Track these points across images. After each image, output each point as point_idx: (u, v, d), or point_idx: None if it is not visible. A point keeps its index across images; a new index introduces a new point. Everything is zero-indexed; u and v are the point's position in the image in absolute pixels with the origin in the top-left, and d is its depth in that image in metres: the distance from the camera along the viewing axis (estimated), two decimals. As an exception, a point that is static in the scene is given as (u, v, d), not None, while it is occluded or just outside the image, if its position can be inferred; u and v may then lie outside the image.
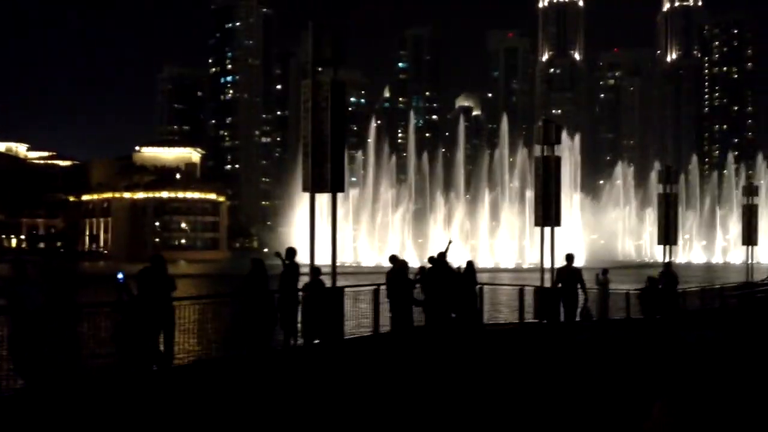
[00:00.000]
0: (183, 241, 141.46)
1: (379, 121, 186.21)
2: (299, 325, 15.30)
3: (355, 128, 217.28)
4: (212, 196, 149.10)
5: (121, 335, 11.63)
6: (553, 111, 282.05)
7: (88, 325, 12.54)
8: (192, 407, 9.90)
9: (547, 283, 21.18)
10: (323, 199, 18.28)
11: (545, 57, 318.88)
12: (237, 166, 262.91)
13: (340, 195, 17.24)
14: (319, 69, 16.69)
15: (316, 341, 15.22)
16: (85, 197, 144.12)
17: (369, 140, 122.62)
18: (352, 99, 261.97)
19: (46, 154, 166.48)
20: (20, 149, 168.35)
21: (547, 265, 21.83)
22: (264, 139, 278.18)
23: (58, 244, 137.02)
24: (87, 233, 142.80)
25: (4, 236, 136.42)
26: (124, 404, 10.22)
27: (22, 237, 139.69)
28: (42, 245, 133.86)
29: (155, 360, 12.28)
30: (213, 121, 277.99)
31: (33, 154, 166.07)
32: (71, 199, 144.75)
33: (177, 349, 12.90)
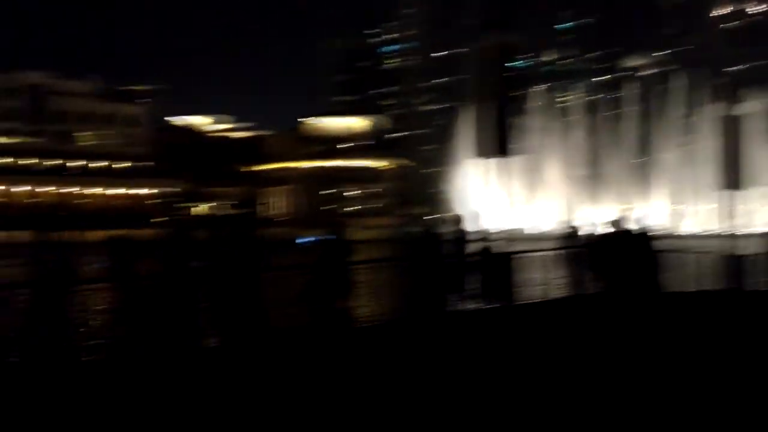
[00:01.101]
0: (354, 207, 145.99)
1: (544, 84, 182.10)
2: (470, 290, 15.62)
3: (520, 92, 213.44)
4: (380, 163, 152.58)
5: (308, 296, 12.51)
6: (734, 68, 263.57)
7: (277, 287, 13.53)
8: (376, 366, 10.50)
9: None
10: (490, 165, 18.40)
11: (722, 11, 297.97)
12: (403, 133, 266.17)
13: (507, 160, 17.32)
14: (485, 33, 16.70)
15: (493, 305, 15.55)
16: (260, 167, 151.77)
17: (534, 104, 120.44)
18: (517, 63, 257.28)
19: (221, 127, 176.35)
20: (199, 122, 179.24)
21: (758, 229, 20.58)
22: (429, 107, 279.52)
23: (239, 212, 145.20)
24: (263, 202, 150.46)
25: (191, 205, 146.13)
26: (314, 361, 11.00)
27: (207, 206, 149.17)
28: (226, 213, 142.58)
29: (339, 320, 13.07)
30: (377, 90, 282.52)
31: (211, 128, 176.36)
32: (248, 169, 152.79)
33: (356, 312, 13.65)
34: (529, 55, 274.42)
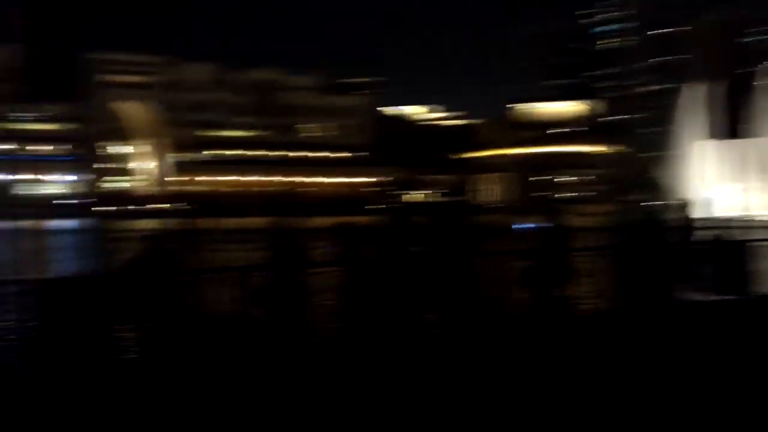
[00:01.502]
0: (567, 194, 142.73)
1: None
2: (699, 280, 14.82)
3: (750, 69, 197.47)
4: (597, 148, 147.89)
5: (527, 282, 12.48)
6: None
7: (494, 273, 13.58)
8: (599, 355, 10.27)
9: None
10: (718, 148, 17.18)
11: None
12: (619, 117, 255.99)
13: (738, 142, 16.12)
14: (708, 8, 15.60)
15: (727, 297, 14.65)
16: (470, 155, 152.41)
17: (766, 82, 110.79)
18: (746, 38, 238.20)
19: (434, 115, 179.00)
20: (413, 112, 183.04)
21: None
22: (647, 88, 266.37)
23: (451, 199, 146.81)
24: (474, 189, 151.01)
25: (403, 193, 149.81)
26: (537, 349, 10.94)
27: (419, 193, 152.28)
28: (437, 200, 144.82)
29: (560, 308, 12.91)
30: (591, 73, 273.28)
31: (424, 117, 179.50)
32: (458, 157, 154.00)
33: (578, 300, 13.40)
34: (759, 29, 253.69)
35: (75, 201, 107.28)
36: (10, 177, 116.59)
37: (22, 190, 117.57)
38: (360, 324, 11.85)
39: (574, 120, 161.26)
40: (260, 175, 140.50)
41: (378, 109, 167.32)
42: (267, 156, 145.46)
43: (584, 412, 8.02)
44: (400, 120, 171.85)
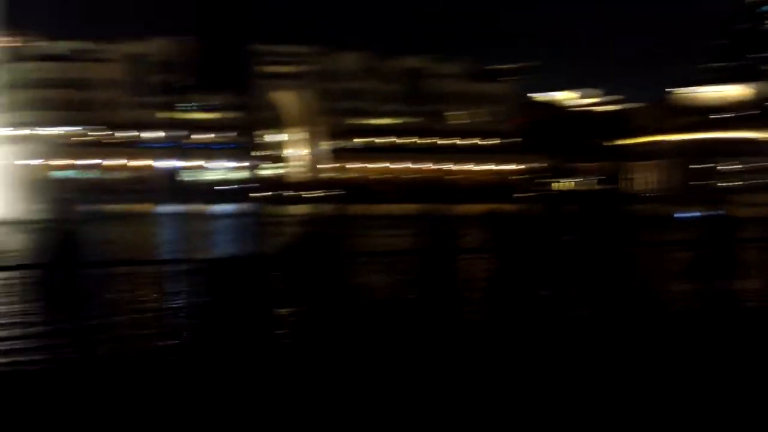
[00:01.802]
0: (732, 183, 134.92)
1: None
2: None
3: None
4: (764, 135, 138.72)
5: (693, 274, 11.87)
6: None
7: (654, 263, 13.01)
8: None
9: None
10: None
11: None
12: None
13: None
14: None
15: None
16: (625, 141, 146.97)
17: None
18: None
19: (587, 101, 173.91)
20: (565, 98, 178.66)
21: None
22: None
23: (605, 187, 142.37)
24: (629, 177, 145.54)
25: (553, 180, 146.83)
26: (700, 342, 10.42)
27: (572, 181, 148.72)
28: (589, 188, 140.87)
29: (725, 300, 12.22)
30: (758, 55, 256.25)
31: (576, 102, 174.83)
32: (612, 143, 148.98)
33: (747, 293, 12.66)
34: None
35: (235, 187, 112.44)
36: (178, 164, 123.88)
37: (188, 176, 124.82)
38: (509, 313, 11.69)
39: (739, 104, 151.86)
40: (409, 163, 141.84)
41: (528, 95, 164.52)
42: (416, 143, 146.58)
43: (757, 413, 7.52)
44: (552, 106, 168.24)
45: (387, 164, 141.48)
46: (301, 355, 9.46)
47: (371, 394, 8.71)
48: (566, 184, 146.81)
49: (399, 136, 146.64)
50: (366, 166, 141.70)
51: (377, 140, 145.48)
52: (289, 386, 8.93)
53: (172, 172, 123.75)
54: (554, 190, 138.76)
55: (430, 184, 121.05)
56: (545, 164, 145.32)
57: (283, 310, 10.42)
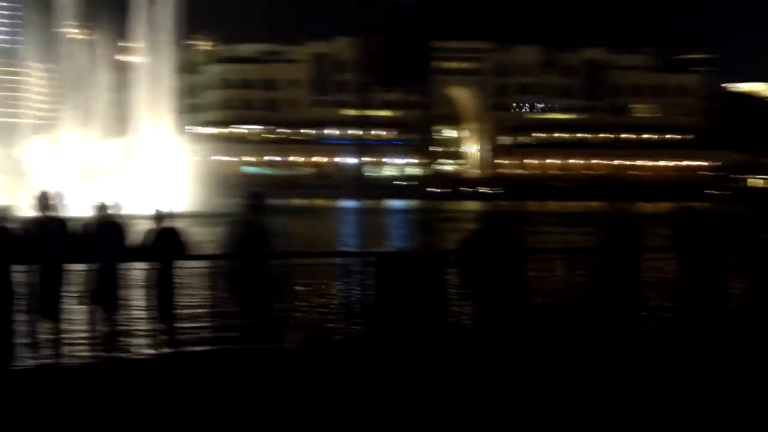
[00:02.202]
0: None
1: None
2: None
3: None
4: None
5: None
6: None
7: None
8: None
9: None
10: None
11: None
12: None
13: None
14: None
15: None
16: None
17: None
18: None
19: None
20: (760, 89, 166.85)
21: None
22: None
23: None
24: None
25: (747, 177, 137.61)
26: None
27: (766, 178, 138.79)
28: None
29: None
30: None
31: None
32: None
33: None
34: None
35: (413, 182, 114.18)
36: (359, 160, 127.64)
37: (368, 172, 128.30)
38: (696, 316, 11.08)
39: None
40: (588, 158, 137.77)
41: (717, 86, 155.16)
42: (596, 138, 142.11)
43: None
44: (743, 98, 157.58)
45: (565, 160, 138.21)
46: (479, 350, 9.44)
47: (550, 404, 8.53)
48: (760, 180, 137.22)
49: (577, 131, 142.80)
50: (543, 162, 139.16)
51: (555, 135, 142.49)
52: (468, 379, 8.94)
53: (353, 168, 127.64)
54: (749, 187, 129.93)
55: (611, 180, 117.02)
56: (736, 160, 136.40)
57: (459, 305, 10.45)
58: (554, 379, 9.11)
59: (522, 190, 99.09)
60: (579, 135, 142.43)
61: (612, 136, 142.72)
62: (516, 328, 9.28)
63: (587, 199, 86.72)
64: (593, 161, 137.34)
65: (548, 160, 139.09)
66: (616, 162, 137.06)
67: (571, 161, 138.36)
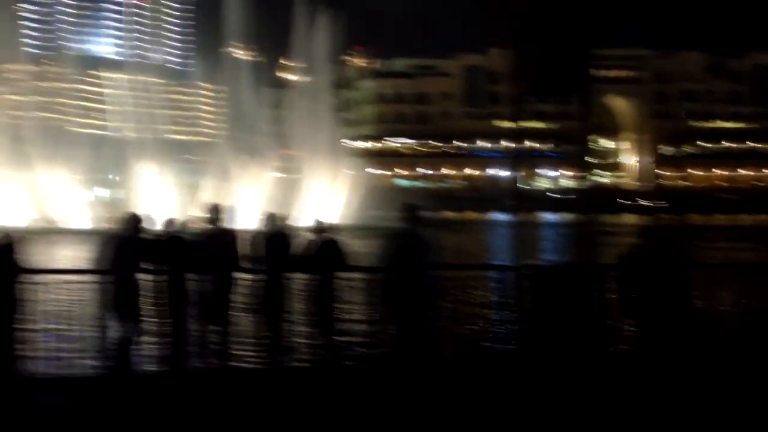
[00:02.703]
0: None
1: None
2: None
3: None
4: None
5: None
6: None
7: None
8: None
9: None
10: None
11: None
12: None
13: None
14: None
15: None
16: None
17: None
18: None
19: None
20: None
21: None
22: None
23: None
24: None
25: None
26: None
27: None
28: None
29: None
30: None
31: None
32: None
33: None
34: None
35: (566, 195, 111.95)
36: (511, 172, 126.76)
37: (522, 185, 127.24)
38: None
39: None
40: (758, 169, 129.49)
41: None
42: (766, 148, 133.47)
43: None
44: None
45: (733, 171, 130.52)
46: (641, 370, 9.13)
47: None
48: None
49: (745, 140, 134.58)
50: (709, 173, 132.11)
51: (721, 145, 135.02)
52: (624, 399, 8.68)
53: (506, 180, 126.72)
54: None
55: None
56: None
57: (618, 322, 10.15)
58: (720, 406, 8.67)
59: (686, 203, 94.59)
60: (749, 144, 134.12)
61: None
62: (681, 348, 8.91)
63: (758, 212, 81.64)
64: (764, 172, 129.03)
65: (714, 171, 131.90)
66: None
67: (739, 172, 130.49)
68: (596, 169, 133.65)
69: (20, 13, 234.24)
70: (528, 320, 10.55)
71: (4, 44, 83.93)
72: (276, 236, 10.88)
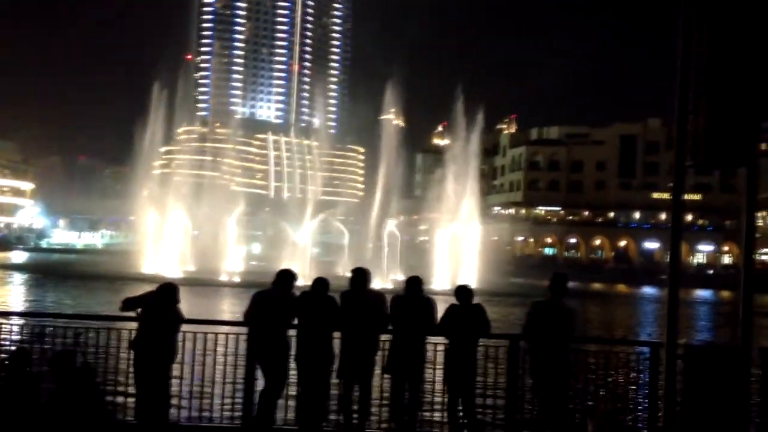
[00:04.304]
0: None
1: None
2: None
3: None
4: None
5: None
6: None
7: None
8: None
9: None
10: None
11: None
12: None
13: None
14: None
15: None
16: None
17: None
18: None
19: None
20: None
21: None
22: None
23: None
24: None
25: None
26: None
27: None
28: None
29: None
30: None
31: None
32: None
33: None
34: None
35: (723, 272, 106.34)
36: (659, 245, 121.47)
37: (670, 259, 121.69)
38: None
39: None
40: None
41: None
42: None
43: None
44: None
45: None
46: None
47: None
48: None
49: None
50: None
51: None
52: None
53: (657, 254, 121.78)
54: None
55: None
56: None
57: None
58: None
59: None
60: None
61: None
62: None
63: None
64: None
65: None
66: None
67: None
68: (759, 246, 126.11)
69: (199, 81, 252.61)
70: (681, 402, 10.02)
71: (182, 108, 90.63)
72: (418, 300, 10.91)
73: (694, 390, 9.74)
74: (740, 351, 9.63)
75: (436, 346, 10.85)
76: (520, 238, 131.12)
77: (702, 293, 75.90)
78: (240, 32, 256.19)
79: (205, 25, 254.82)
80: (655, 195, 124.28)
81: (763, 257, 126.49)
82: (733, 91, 9.26)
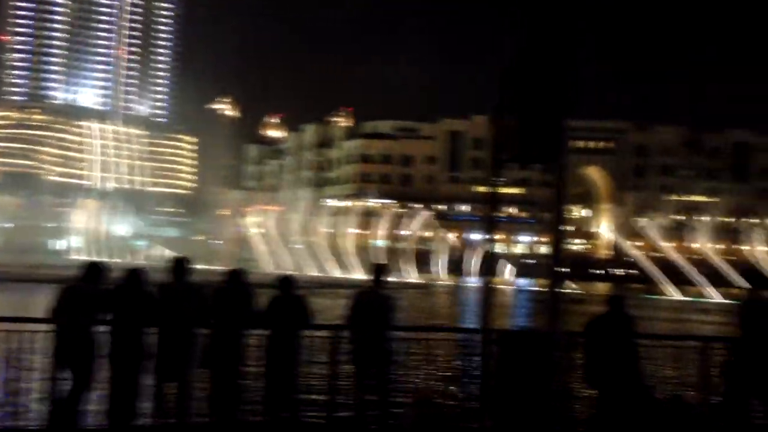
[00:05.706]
0: None
1: None
2: None
3: None
4: None
5: None
6: None
7: None
8: None
9: None
10: None
11: None
12: None
13: None
14: None
15: None
16: None
17: None
18: None
19: None
20: None
21: None
22: None
23: None
24: None
25: None
26: None
27: None
28: None
29: None
30: None
31: None
32: None
33: None
34: None
35: (539, 261, 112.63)
36: (485, 237, 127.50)
37: (493, 250, 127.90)
38: None
39: None
40: (731, 243, 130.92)
41: None
42: (740, 223, 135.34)
43: None
44: None
45: (701, 244, 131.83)
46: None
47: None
48: None
49: (719, 214, 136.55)
50: (677, 245, 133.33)
51: (694, 218, 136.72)
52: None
53: (480, 245, 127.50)
54: None
55: (754, 268, 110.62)
56: None
57: (580, 391, 10.12)
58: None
59: (654, 274, 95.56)
60: (721, 219, 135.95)
61: (758, 221, 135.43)
62: (634, 421, 8.88)
63: (727, 285, 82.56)
64: (737, 246, 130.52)
65: (685, 243, 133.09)
66: (765, 248, 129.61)
67: (712, 246, 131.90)
68: (570, 236, 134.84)
69: (9, 62, 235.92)
70: (493, 385, 10.48)
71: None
72: (238, 290, 10.71)
73: (507, 371, 10.26)
74: (545, 335, 10.22)
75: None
76: (353, 230, 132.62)
77: (523, 282, 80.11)
78: (61, 13, 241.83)
79: (21, 4, 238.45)
80: (481, 188, 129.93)
81: (576, 247, 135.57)
82: (541, 91, 9.83)
